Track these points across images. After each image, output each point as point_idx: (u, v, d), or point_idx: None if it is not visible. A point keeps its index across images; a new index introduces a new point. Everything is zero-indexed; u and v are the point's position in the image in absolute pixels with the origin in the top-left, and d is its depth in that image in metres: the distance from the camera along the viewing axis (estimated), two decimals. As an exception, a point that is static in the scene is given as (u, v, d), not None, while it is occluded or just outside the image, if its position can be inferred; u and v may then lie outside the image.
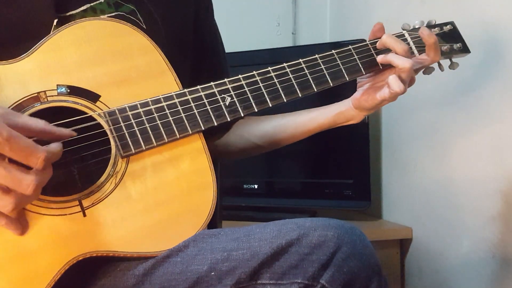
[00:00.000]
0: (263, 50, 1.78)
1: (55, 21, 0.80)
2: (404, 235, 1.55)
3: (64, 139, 0.67)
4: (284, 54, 1.76)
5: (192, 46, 0.99)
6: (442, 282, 1.42)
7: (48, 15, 0.80)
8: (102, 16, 0.84)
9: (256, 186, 1.73)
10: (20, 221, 0.66)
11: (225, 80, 0.81)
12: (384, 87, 0.90)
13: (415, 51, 0.96)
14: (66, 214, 0.68)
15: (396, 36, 0.97)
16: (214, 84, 0.81)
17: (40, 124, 0.64)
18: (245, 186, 1.73)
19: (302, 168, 1.77)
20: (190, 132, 0.77)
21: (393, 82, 0.88)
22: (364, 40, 0.95)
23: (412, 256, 1.56)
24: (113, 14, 0.85)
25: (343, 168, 1.65)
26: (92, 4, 0.84)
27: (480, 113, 1.28)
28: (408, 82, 0.91)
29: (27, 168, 0.61)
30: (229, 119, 0.80)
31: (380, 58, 0.92)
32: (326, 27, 2.09)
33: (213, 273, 0.68)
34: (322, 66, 0.88)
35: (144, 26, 0.88)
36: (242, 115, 0.81)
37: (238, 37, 1.98)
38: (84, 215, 0.69)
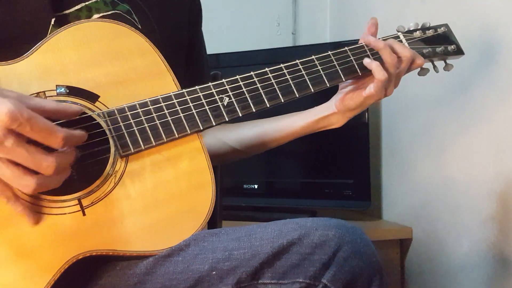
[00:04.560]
0: (263, 50, 1.78)
1: (53, 20, 0.81)
2: (404, 235, 1.56)
3: (75, 116, 0.68)
4: (284, 54, 1.76)
5: (185, 50, 1.00)
6: (442, 282, 1.42)
7: (46, 14, 0.81)
8: (96, 17, 0.85)
9: (256, 186, 1.73)
10: (34, 211, 0.66)
11: (223, 80, 0.82)
12: (369, 85, 0.90)
13: None
14: (66, 213, 0.69)
15: (391, 37, 0.98)
16: (212, 85, 0.81)
17: (52, 103, 0.66)
18: (245, 186, 1.73)
19: (302, 168, 1.77)
20: (189, 132, 0.77)
21: (377, 70, 0.89)
22: (360, 42, 0.96)
23: (412, 256, 1.56)
24: (110, 12, 0.86)
25: (343, 168, 1.65)
26: (87, 3, 0.85)
27: (480, 114, 1.28)
28: (394, 75, 0.91)
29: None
30: (227, 119, 0.80)
31: (366, 62, 0.92)
32: (326, 27, 2.09)
33: (214, 273, 0.68)
34: (319, 67, 0.89)
35: (140, 26, 0.88)
36: (240, 115, 0.81)
37: (238, 37, 1.99)
38: (84, 214, 0.69)
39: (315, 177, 1.72)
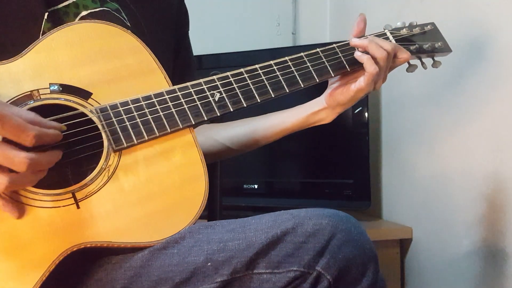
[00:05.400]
0: (263, 50, 1.78)
1: (46, 14, 0.82)
2: (404, 235, 1.55)
3: (56, 129, 0.68)
4: (284, 54, 1.74)
5: (173, 51, 1.01)
6: (442, 282, 1.42)
7: (39, 8, 0.82)
8: (84, 13, 0.86)
9: (256, 186, 1.72)
10: (16, 204, 0.67)
11: (214, 77, 0.83)
12: (358, 79, 0.91)
13: None
14: (60, 206, 0.69)
15: (378, 35, 0.99)
16: (204, 81, 0.83)
17: (30, 115, 0.65)
18: (245, 186, 1.73)
19: (302, 168, 1.77)
20: (181, 127, 0.78)
21: (368, 64, 0.90)
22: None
23: (412, 256, 1.56)
24: (98, 9, 0.87)
25: (343, 168, 1.65)
26: None
27: (481, 115, 1.28)
28: (384, 69, 0.92)
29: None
30: (219, 114, 0.81)
31: (357, 56, 0.92)
32: (326, 27, 2.09)
33: (209, 264, 0.69)
34: (308, 64, 0.90)
35: (129, 24, 0.90)
36: (232, 110, 0.82)
37: (238, 37, 1.99)
38: (78, 207, 0.70)
39: (315, 177, 1.72)
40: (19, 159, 0.62)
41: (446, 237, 1.41)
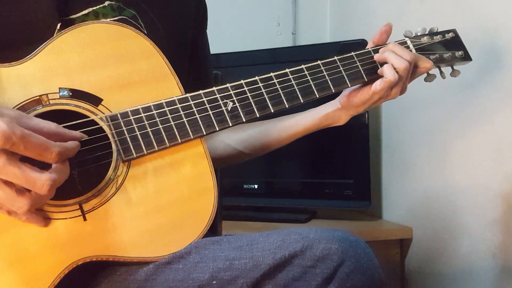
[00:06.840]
0: (263, 50, 1.78)
1: (59, 24, 0.80)
2: (404, 235, 1.56)
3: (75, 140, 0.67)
4: (284, 54, 1.76)
5: (190, 52, 0.99)
6: (442, 282, 1.43)
7: (51, 18, 0.80)
8: (104, 20, 0.84)
9: (256, 186, 1.72)
10: (40, 213, 0.66)
11: (228, 85, 0.81)
12: (375, 81, 0.90)
13: None
14: (66, 218, 0.68)
15: (398, 43, 0.97)
16: (217, 89, 0.80)
17: (51, 126, 0.64)
18: (245, 186, 1.73)
19: (302, 168, 1.77)
20: (192, 137, 0.76)
21: (387, 70, 0.88)
22: (365, 41, 0.95)
23: (412, 256, 1.56)
24: (116, 18, 0.85)
25: (343, 168, 1.65)
26: (94, 8, 0.84)
27: (481, 115, 1.28)
28: (404, 76, 0.91)
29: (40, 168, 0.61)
30: (231, 124, 0.79)
31: (378, 61, 0.91)
32: (326, 27, 2.09)
33: (214, 282, 0.67)
34: (325, 73, 0.89)
35: (145, 32, 0.87)
36: (244, 120, 0.80)
37: (238, 37, 1.98)
38: (85, 219, 0.69)
39: (315, 177, 1.72)
40: (41, 182, 0.60)
41: (446, 238, 1.41)
